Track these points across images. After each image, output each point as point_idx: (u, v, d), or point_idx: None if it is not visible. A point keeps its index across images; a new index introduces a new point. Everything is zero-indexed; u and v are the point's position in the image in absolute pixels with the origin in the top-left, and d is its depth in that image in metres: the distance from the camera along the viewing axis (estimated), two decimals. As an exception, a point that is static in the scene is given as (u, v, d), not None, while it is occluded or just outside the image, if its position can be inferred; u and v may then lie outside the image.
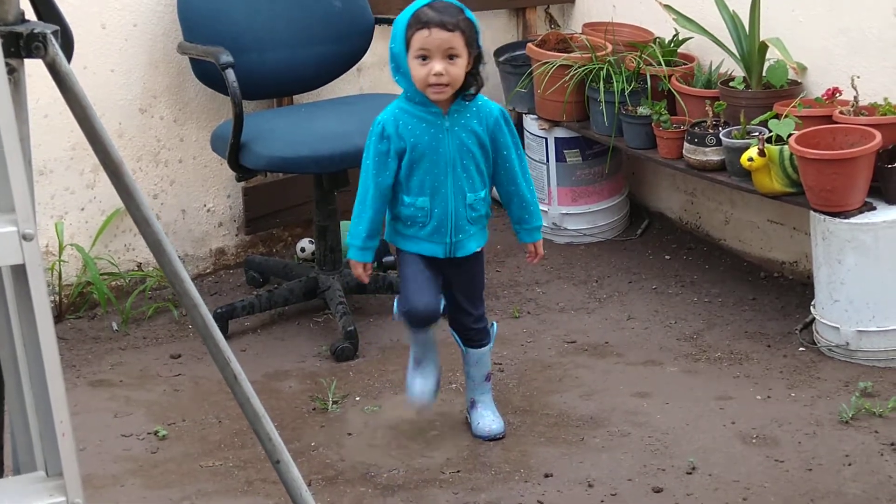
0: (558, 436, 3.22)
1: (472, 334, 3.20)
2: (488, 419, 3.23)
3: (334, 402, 3.41)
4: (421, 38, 2.90)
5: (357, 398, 3.45)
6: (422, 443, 3.24)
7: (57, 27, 1.62)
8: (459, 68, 2.92)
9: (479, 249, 3.12)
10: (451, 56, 2.91)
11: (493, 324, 3.27)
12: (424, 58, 2.91)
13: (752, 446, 3.12)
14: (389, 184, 3.02)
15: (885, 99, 3.53)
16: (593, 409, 3.34)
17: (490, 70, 4.55)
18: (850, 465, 3.02)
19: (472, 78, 2.97)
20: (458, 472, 3.09)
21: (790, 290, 3.96)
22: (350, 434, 3.29)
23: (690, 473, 3.02)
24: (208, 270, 4.25)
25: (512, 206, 3.15)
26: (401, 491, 3.03)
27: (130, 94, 3.98)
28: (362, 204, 3.04)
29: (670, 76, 3.96)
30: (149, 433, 3.31)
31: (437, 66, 2.90)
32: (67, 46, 1.68)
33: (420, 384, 3.19)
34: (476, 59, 2.96)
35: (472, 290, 3.17)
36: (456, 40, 2.90)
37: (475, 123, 3.01)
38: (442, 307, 3.13)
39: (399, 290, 3.15)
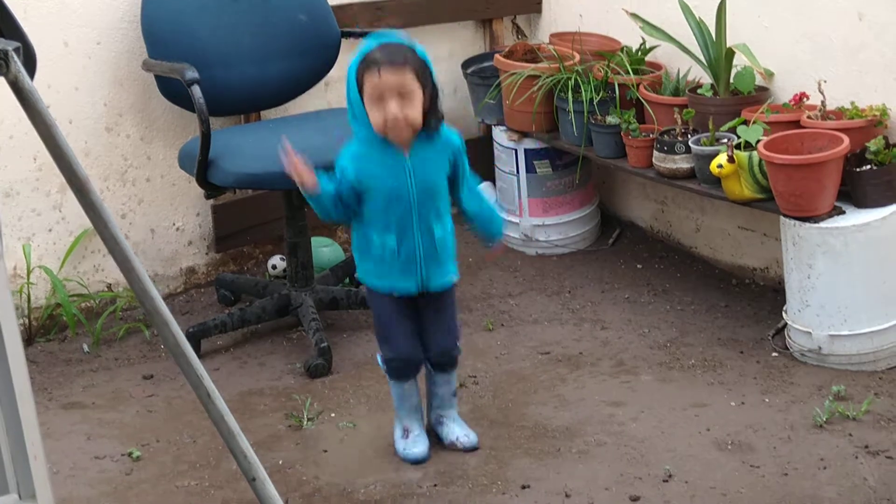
0: (534, 447, 3.21)
1: (446, 365, 3.19)
2: (461, 432, 3.22)
3: (309, 419, 3.39)
4: (372, 80, 2.87)
5: (332, 414, 3.43)
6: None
7: (18, 44, 1.60)
8: (416, 109, 2.89)
9: (452, 284, 3.11)
10: (404, 96, 2.87)
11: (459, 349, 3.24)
12: (379, 100, 2.88)
13: (728, 452, 3.12)
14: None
15: (853, 103, 3.55)
16: (569, 419, 3.34)
17: (459, 82, 4.56)
18: (825, 468, 3.02)
19: (431, 115, 2.93)
20: (436, 485, 3.08)
21: (762, 296, 3.97)
22: (326, 451, 3.27)
23: (667, 481, 3.02)
24: (179, 290, 4.22)
25: (479, 221, 3.10)
26: (378, 506, 3.01)
27: (96, 112, 3.96)
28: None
29: (638, 84, 3.97)
30: (123, 455, 3.28)
31: (393, 107, 2.86)
32: (30, 63, 1.67)
33: (415, 451, 3.18)
34: (432, 96, 2.93)
35: (445, 319, 3.13)
36: (407, 79, 2.86)
37: (438, 157, 2.99)
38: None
39: (377, 336, 3.16)
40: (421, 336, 3.15)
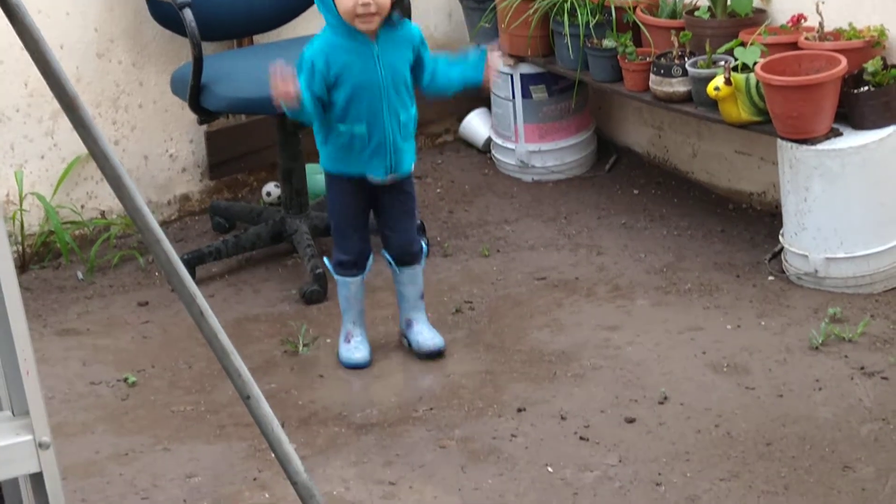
0: (530, 371, 3.22)
1: (407, 257, 3.27)
2: (428, 335, 3.29)
3: (305, 345, 3.40)
4: None
5: (328, 340, 3.43)
6: (394, 382, 3.23)
7: (4, -44, 1.57)
8: None
9: (412, 169, 3.22)
10: None
11: (424, 243, 3.33)
12: None
13: (723, 375, 3.13)
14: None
15: (850, 24, 3.52)
16: (565, 343, 3.34)
17: (454, 6, 4.51)
18: (820, 389, 3.03)
19: (397, 5, 3.05)
20: (432, 409, 3.09)
21: (758, 220, 3.95)
22: (322, 376, 3.28)
23: (662, 403, 3.03)
24: (173, 217, 4.20)
25: (452, 71, 3.20)
26: (375, 429, 3.02)
27: (87, 38, 3.91)
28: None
29: (635, 7, 3.92)
30: (118, 380, 3.29)
31: None
32: (16, -23, 1.64)
33: (356, 356, 3.27)
34: None
35: (406, 211, 3.23)
36: None
37: (403, 45, 3.11)
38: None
39: (332, 228, 3.27)
40: (382, 233, 3.25)
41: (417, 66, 3.15)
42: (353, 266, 3.24)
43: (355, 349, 3.27)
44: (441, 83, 3.20)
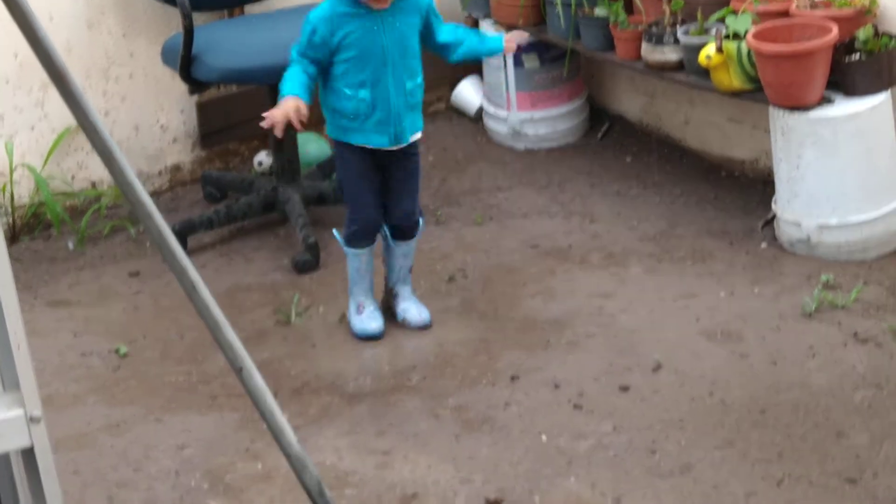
0: (524, 339, 3.22)
1: (406, 226, 3.26)
2: (416, 310, 3.29)
3: (297, 315, 3.39)
4: None
5: (320, 309, 3.43)
6: (387, 351, 3.23)
7: (-11, -76, 1.55)
8: None
9: (418, 137, 3.22)
10: None
11: (421, 218, 3.34)
12: None
13: (717, 342, 3.13)
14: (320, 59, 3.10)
15: (843, -9, 3.50)
16: (558, 311, 3.34)
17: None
18: (814, 356, 3.04)
19: None
20: (425, 378, 3.09)
21: (751, 188, 3.95)
22: (314, 345, 3.27)
23: (656, 371, 3.03)
24: (164, 188, 4.19)
25: (469, 43, 3.24)
26: (368, 398, 3.02)
27: (76, 8, 3.89)
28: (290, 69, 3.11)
29: (626, -25, 3.90)
30: (109, 351, 3.28)
31: None
32: (2, -54, 1.62)
33: (372, 326, 3.25)
34: None
35: (410, 182, 3.24)
36: None
37: (410, 12, 3.11)
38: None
39: (345, 196, 3.27)
40: (384, 202, 3.23)
41: (427, 32, 3.16)
42: (366, 235, 3.22)
43: (371, 319, 3.25)
44: (466, 55, 3.25)
